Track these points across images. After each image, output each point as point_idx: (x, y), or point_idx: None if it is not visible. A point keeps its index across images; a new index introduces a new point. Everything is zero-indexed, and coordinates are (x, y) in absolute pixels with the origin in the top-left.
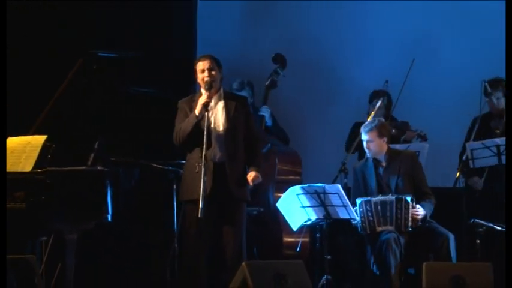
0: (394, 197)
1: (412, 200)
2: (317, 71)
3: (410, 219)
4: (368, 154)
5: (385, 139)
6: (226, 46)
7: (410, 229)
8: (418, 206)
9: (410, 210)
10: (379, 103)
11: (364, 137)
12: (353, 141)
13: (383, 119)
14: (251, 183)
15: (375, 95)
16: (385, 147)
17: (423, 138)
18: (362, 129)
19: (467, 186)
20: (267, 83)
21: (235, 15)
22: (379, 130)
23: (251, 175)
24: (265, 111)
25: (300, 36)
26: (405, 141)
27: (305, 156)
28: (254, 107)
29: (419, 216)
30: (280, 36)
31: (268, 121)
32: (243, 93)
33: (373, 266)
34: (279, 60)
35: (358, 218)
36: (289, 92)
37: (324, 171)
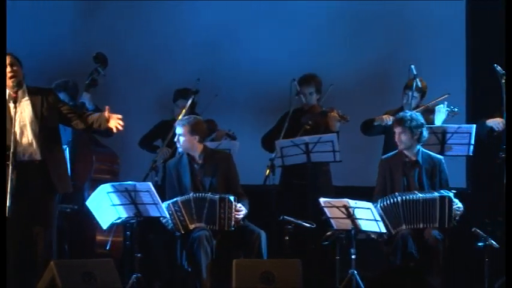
0: (217, 196)
1: (234, 200)
2: (138, 69)
3: (233, 218)
4: (179, 149)
5: (197, 137)
6: (55, 45)
7: (233, 228)
8: (239, 205)
9: (233, 209)
10: (189, 101)
11: (178, 130)
12: (151, 136)
13: (200, 117)
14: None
15: (182, 93)
16: (197, 146)
17: (232, 137)
18: (177, 122)
19: None
20: (87, 81)
21: (67, 15)
22: (192, 127)
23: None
24: (84, 98)
25: (124, 36)
26: (214, 141)
27: (122, 154)
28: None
29: (241, 216)
30: (107, 37)
31: (89, 105)
32: (62, 94)
33: (183, 263)
34: (100, 59)
35: (168, 217)
36: (113, 91)
37: (139, 169)
